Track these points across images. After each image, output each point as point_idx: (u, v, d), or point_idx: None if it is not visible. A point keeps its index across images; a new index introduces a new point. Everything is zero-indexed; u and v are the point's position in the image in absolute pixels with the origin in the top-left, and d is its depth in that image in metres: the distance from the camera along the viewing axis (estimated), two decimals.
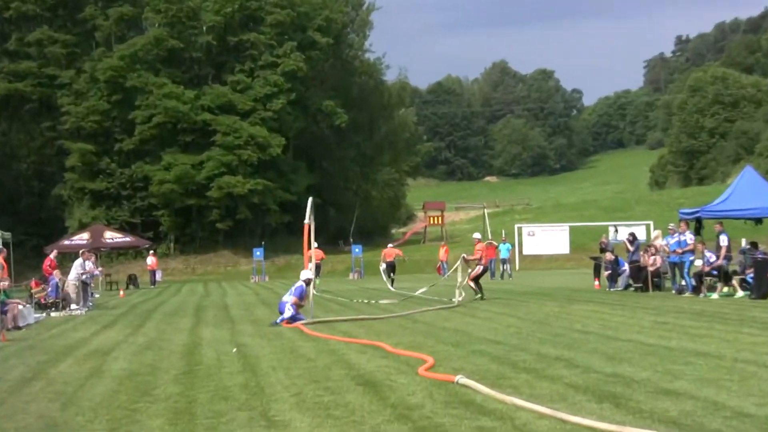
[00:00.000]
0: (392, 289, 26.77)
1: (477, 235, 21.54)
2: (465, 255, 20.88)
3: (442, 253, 36.82)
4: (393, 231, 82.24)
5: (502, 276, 34.05)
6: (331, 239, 67.12)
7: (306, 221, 16.26)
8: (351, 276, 42.21)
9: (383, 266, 31.47)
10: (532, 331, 12.00)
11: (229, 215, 56.06)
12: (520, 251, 46.46)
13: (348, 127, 63.42)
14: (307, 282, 15.38)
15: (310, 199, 16.62)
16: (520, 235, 47.28)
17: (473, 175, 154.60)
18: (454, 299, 18.95)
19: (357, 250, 43.36)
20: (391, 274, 30.68)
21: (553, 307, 16.82)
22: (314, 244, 32.13)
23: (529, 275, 38.23)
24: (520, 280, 32.78)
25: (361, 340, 11.45)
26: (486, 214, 64.47)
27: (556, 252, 47.59)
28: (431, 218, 68.64)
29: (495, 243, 35.17)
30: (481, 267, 20.52)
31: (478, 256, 20.48)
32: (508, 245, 34.90)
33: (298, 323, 14.07)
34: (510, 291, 24.02)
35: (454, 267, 21.57)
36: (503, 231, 49.13)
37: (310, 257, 30.77)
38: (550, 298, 19.63)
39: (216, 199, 54.12)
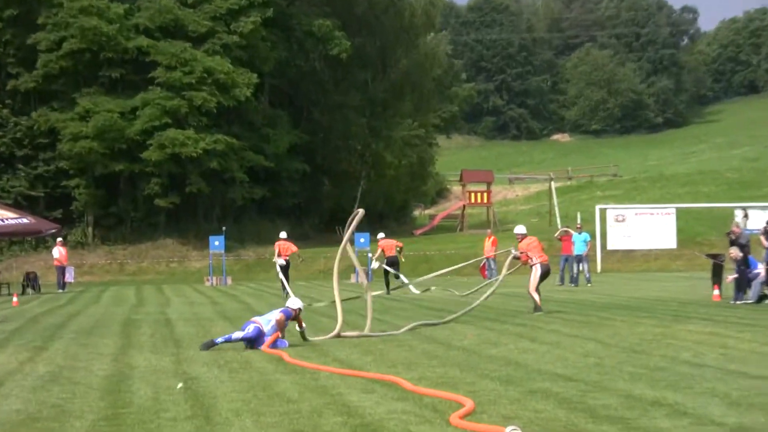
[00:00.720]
0: (405, 280, 27.25)
1: (520, 230, 21.53)
2: (514, 250, 20.97)
3: (488, 245, 36.73)
4: (416, 213, 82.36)
5: (575, 281, 33.95)
6: (325, 224, 67.27)
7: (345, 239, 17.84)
8: (353, 278, 42.16)
9: (376, 265, 31.82)
10: (619, 363, 11.95)
11: (175, 187, 56.17)
12: (603, 244, 46.32)
13: (351, 60, 63.22)
14: (296, 314, 15.22)
15: (360, 213, 17.27)
16: (603, 220, 47.11)
17: (535, 131, 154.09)
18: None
19: (362, 240, 43.31)
20: (393, 272, 31.24)
21: (650, 327, 16.76)
22: (283, 234, 32.77)
23: (615, 280, 38.09)
24: (603, 286, 32.66)
25: (368, 373, 11.43)
26: (553, 190, 64.51)
27: (657, 246, 47.47)
28: (472, 195, 68.64)
29: (571, 231, 35.13)
30: (538, 267, 20.55)
31: (524, 258, 20.80)
32: (585, 236, 34.77)
33: (279, 350, 14.03)
34: (587, 303, 23.95)
35: (506, 264, 21.62)
36: (578, 215, 49.05)
37: (277, 255, 31.18)
38: (646, 314, 19.58)
39: (156, 164, 54.15)
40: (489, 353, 13.31)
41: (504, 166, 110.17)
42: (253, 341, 14.46)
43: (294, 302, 15.38)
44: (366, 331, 16.66)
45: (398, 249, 32.66)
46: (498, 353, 13.28)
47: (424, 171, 79.34)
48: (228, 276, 44.37)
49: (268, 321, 14.73)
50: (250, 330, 14.61)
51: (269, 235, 53.27)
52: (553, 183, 66.66)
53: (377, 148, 67.83)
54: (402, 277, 31.00)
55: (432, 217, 77.19)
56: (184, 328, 18.89)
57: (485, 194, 68.31)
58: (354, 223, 18.07)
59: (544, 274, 20.83)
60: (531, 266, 20.74)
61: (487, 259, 35.02)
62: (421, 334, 16.43)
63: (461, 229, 67.64)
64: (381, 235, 34.17)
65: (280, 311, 14.92)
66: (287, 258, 31.05)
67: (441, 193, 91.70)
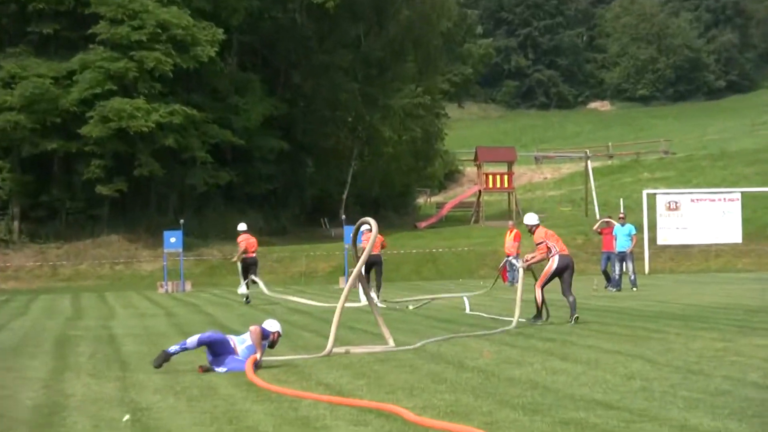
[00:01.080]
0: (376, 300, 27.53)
1: (532, 219, 21.66)
2: (517, 261, 21.13)
3: (509, 241, 36.68)
4: (420, 201, 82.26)
5: (618, 284, 33.92)
6: (308, 215, 67.24)
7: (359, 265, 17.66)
8: (341, 283, 42.15)
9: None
10: (671, 386, 11.95)
11: (122, 171, 56.10)
12: (652, 239, 46.29)
13: (339, 10, 63.06)
14: (274, 338, 15.11)
15: (374, 228, 17.55)
16: (652, 209, 47.07)
17: (567, 98, 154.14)
18: (510, 325, 19.84)
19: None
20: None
21: (710, 341, 16.77)
22: (242, 226, 33.15)
23: (667, 282, 38.06)
24: (651, 291, 32.66)
25: (361, 400, 11.40)
26: (590, 171, 64.42)
27: (719, 240, 47.40)
28: (490, 178, 68.55)
29: (612, 222, 35.07)
30: (556, 259, 20.78)
31: (542, 253, 20.99)
32: (629, 228, 34.69)
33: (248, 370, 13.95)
34: (632, 311, 23.97)
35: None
36: (621, 202, 49.02)
37: (242, 254, 31.66)
38: (705, 326, 19.60)
39: (97, 142, 54.10)
40: (510, 375, 13.30)
41: (529, 142, 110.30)
42: (216, 349, 14.37)
43: (273, 324, 15.26)
44: (389, 344, 16.87)
45: (382, 247, 32.49)
46: (521, 375, 13.27)
47: (430, 148, 79.35)
48: (187, 281, 44.31)
49: (242, 341, 14.64)
50: (212, 333, 14.65)
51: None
52: (590, 162, 66.60)
53: (372, 120, 67.81)
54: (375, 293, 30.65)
55: (440, 205, 77.19)
56: (133, 346, 18.86)
57: (506, 177, 68.20)
58: (369, 244, 17.85)
59: (562, 270, 20.86)
60: (549, 257, 20.88)
61: (509, 257, 34.94)
62: (425, 351, 16.41)
63: (476, 221, 67.63)
64: (366, 227, 34.15)
65: (256, 326, 14.82)
66: (252, 254, 31.39)
67: (451, 176, 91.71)
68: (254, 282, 31.33)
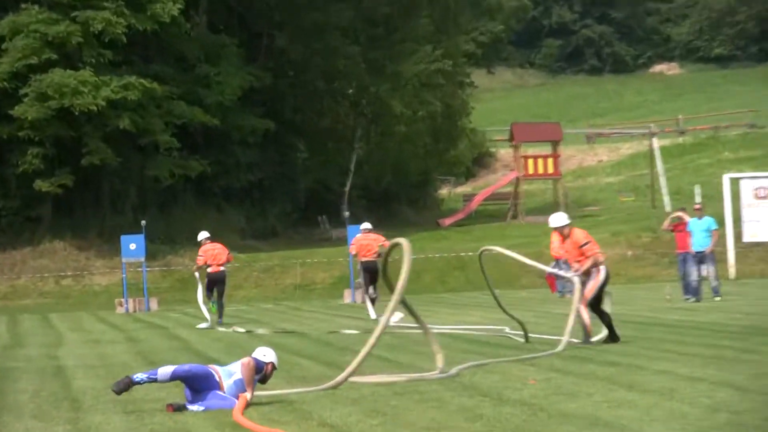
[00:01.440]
0: (373, 315, 27.88)
1: (562, 219, 21.82)
2: (565, 270, 21.30)
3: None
4: (442, 192, 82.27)
5: (696, 292, 33.86)
6: (301, 213, 67.31)
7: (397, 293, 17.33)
8: (346, 297, 42.20)
9: (397, 317, 31.65)
10: (766, 419, 11.93)
11: (66, 161, 56.17)
12: (738, 235, 46.23)
13: None
14: (267, 371, 15.05)
15: (407, 248, 17.12)
16: (735, 197, 46.98)
17: (625, 60, 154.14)
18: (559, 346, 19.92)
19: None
20: (371, 289, 31.41)
21: None
22: (203, 235, 33.45)
23: (758, 290, 38.00)
24: (738, 300, 32.66)
25: None
26: (657, 152, 64.38)
27: None
28: (531, 162, 68.57)
29: (686, 217, 34.99)
30: (603, 271, 21.05)
31: (594, 254, 21.15)
32: (708, 222, 34.59)
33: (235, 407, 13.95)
34: (715, 326, 23.97)
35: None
36: (697, 190, 48.93)
37: (202, 265, 32.05)
38: None
39: (34, 125, 54.16)
40: (563, 408, 13.30)
41: (579, 116, 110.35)
42: (196, 384, 14.32)
43: (267, 353, 15.16)
44: (439, 368, 17.11)
45: (379, 248, 32.13)
46: (577, 408, 13.27)
47: (453, 126, 79.31)
48: (152, 297, 44.30)
49: (229, 374, 14.57)
50: (191, 365, 14.64)
51: (215, 232, 53.24)
52: (655, 140, 66.59)
53: (379, 91, 67.84)
54: (371, 308, 30.65)
55: (468, 197, 77.18)
56: (85, 380, 18.89)
57: (550, 161, 68.20)
58: (405, 268, 17.55)
59: (606, 281, 21.22)
60: (596, 268, 21.04)
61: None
62: (455, 381, 16.41)
63: (514, 216, 67.65)
64: (365, 225, 34.20)
65: (249, 358, 14.74)
66: (219, 268, 31.47)
67: (481, 161, 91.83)
68: (215, 304, 31.47)
